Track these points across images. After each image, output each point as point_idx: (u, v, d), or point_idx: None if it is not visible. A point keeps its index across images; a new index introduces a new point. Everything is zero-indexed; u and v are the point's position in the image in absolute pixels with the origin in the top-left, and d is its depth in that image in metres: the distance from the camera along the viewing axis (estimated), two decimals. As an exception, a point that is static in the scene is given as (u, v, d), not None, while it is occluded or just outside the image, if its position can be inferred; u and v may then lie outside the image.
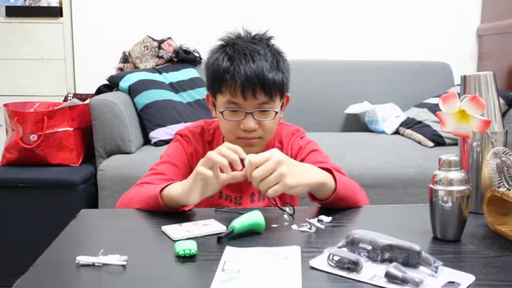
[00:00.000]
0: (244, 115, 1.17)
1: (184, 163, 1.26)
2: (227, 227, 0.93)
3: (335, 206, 1.08)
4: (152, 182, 1.18)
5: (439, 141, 2.38)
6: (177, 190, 1.05)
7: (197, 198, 1.03)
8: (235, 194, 1.27)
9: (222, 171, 1.02)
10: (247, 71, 1.15)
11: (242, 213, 0.96)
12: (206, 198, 1.24)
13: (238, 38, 1.23)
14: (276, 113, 1.20)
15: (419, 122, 2.53)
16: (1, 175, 2.16)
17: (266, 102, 1.18)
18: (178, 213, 1.05)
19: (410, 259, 0.76)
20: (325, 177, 1.06)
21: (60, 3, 3.04)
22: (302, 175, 1.01)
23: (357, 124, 2.79)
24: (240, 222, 0.92)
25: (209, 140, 1.31)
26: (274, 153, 0.98)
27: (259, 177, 0.96)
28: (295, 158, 1.26)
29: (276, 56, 1.21)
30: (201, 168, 1.00)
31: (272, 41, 1.25)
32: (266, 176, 0.96)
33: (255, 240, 0.92)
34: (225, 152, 0.99)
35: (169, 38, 2.86)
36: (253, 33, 1.24)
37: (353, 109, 2.73)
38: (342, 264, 0.77)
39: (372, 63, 2.95)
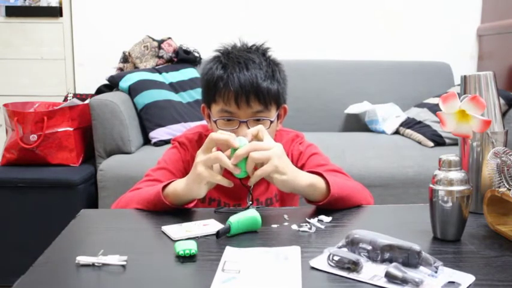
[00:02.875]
0: (238, 124, 1.16)
1: (181, 171, 1.26)
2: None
3: (333, 207, 1.08)
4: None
5: (439, 141, 2.38)
6: (181, 186, 1.04)
7: (204, 189, 1.02)
8: (234, 201, 1.27)
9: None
10: (240, 78, 1.14)
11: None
12: (204, 206, 1.24)
13: (233, 48, 1.22)
14: (271, 122, 1.18)
15: (419, 122, 2.53)
16: (1, 175, 2.16)
17: (261, 111, 1.17)
18: (178, 213, 1.05)
19: (410, 259, 0.76)
20: (314, 180, 1.06)
21: (60, 3, 3.04)
22: (292, 172, 1.03)
23: (357, 124, 2.79)
24: (237, 218, 0.93)
25: None
26: (276, 148, 1.00)
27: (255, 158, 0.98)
28: (296, 163, 1.26)
29: (272, 66, 1.20)
30: (201, 168, 1.00)
31: (269, 53, 1.24)
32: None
33: (255, 240, 0.92)
34: (219, 136, 1.00)
35: (169, 38, 2.86)
36: (249, 44, 1.23)
37: (353, 109, 2.73)
38: (342, 264, 0.77)
39: (372, 63, 2.95)
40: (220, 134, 1.00)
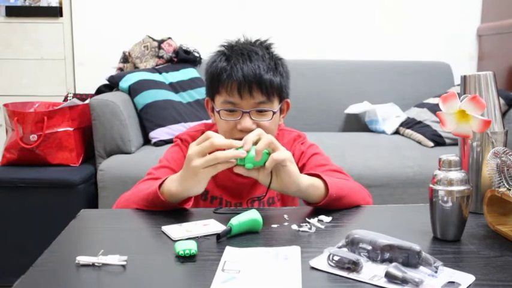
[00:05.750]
0: (241, 115, 1.17)
1: None
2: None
3: (332, 207, 1.08)
4: None
5: (439, 141, 2.38)
6: (177, 185, 1.02)
7: (203, 187, 1.01)
8: (235, 200, 1.27)
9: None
10: (244, 69, 1.15)
11: (239, 213, 0.95)
12: (206, 204, 1.24)
13: (237, 42, 1.24)
14: (274, 113, 1.19)
15: (419, 122, 2.53)
16: (1, 175, 2.16)
17: (263, 102, 1.18)
18: (178, 213, 1.05)
19: (410, 259, 0.76)
20: (314, 181, 1.07)
21: (60, 3, 3.04)
22: (295, 174, 1.02)
23: (357, 124, 2.79)
24: (238, 220, 0.92)
25: None
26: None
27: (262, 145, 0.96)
28: (297, 163, 1.26)
29: (275, 59, 1.22)
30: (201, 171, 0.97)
31: (273, 48, 1.25)
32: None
33: (255, 240, 0.92)
34: (221, 141, 0.97)
35: (169, 38, 2.86)
36: (253, 40, 1.25)
37: (353, 109, 2.73)
38: (342, 264, 0.77)
39: (372, 63, 2.96)
40: (222, 139, 0.97)
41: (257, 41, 1.25)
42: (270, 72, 1.17)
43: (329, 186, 1.06)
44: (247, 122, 1.16)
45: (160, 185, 1.06)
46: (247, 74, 1.15)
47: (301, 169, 1.24)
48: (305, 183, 1.04)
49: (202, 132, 1.30)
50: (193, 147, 0.98)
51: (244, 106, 1.17)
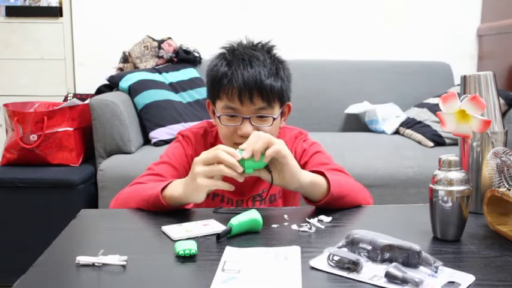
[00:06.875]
0: (241, 121, 1.17)
1: (183, 165, 1.26)
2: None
3: (332, 206, 1.08)
4: (148, 183, 1.17)
5: (439, 141, 2.38)
6: (179, 190, 1.03)
7: (203, 196, 1.01)
8: (237, 197, 1.27)
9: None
10: (244, 75, 1.15)
11: (239, 213, 0.95)
12: (208, 202, 1.24)
13: (239, 45, 1.23)
14: (274, 119, 1.19)
15: (419, 122, 2.53)
16: (1, 175, 2.16)
17: (264, 108, 1.17)
18: (178, 213, 1.05)
19: (410, 259, 0.76)
20: (316, 178, 1.07)
21: (60, 3, 3.04)
22: (297, 164, 1.03)
23: (357, 124, 2.79)
24: (238, 220, 0.93)
25: (212, 142, 1.30)
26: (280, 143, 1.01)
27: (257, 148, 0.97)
28: (299, 161, 1.26)
29: (276, 63, 1.21)
30: (202, 181, 0.99)
31: (274, 50, 1.24)
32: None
33: (255, 240, 0.92)
34: (226, 157, 0.97)
35: (169, 38, 2.86)
36: (255, 42, 1.24)
37: (353, 109, 2.73)
38: (342, 264, 0.77)
39: (372, 63, 2.95)
40: (227, 156, 0.97)
41: (259, 43, 1.24)
42: (271, 77, 1.17)
43: (331, 184, 1.06)
44: (247, 127, 1.16)
45: (163, 189, 1.06)
46: (247, 80, 1.15)
47: (303, 167, 1.24)
48: (307, 179, 1.05)
49: (205, 129, 1.32)
50: (203, 154, 1.00)
51: (245, 112, 1.17)
